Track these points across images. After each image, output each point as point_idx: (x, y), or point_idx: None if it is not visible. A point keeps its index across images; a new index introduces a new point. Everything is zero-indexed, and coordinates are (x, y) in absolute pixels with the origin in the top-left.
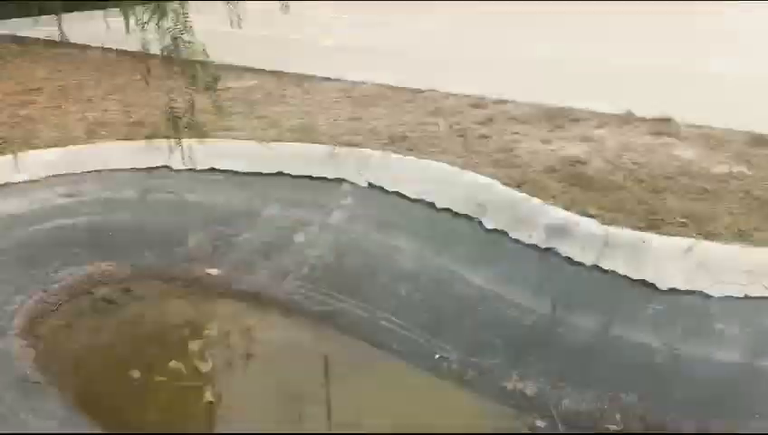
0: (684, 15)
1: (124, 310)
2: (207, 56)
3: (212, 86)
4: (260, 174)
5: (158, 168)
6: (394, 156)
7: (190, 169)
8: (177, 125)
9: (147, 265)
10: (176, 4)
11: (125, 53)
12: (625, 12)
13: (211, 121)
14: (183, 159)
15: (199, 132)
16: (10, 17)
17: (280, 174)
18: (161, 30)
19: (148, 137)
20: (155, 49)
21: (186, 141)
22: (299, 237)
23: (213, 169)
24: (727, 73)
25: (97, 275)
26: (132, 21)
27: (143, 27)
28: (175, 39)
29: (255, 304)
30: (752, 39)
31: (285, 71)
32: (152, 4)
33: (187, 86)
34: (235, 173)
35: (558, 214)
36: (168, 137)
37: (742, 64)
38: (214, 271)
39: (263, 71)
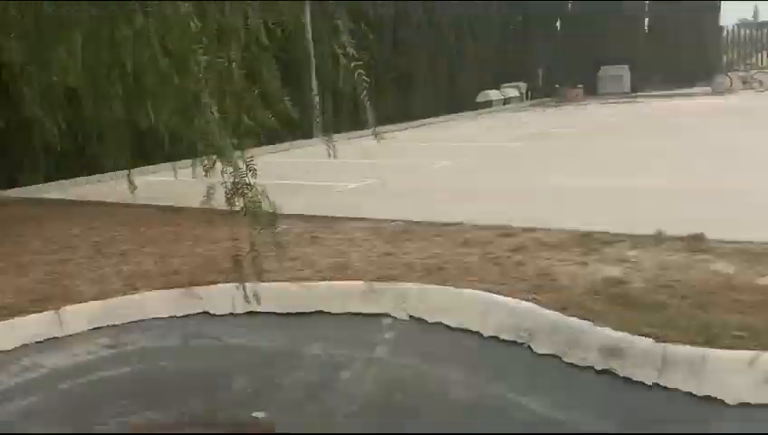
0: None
1: None
2: (267, 198)
3: (272, 224)
4: (300, 314)
5: (197, 314)
6: (432, 287)
7: (230, 314)
8: (242, 268)
9: (192, 412)
10: (238, 151)
11: (152, 207)
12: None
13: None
14: (248, 300)
15: (260, 272)
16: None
17: (319, 313)
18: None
19: (187, 284)
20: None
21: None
22: (344, 374)
23: (252, 313)
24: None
25: (142, 426)
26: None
27: (206, 174)
28: (236, 183)
29: None
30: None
31: (311, 214)
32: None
33: (249, 227)
34: (275, 314)
35: (611, 335)
36: (212, 283)
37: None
38: (260, 414)
39: (288, 215)
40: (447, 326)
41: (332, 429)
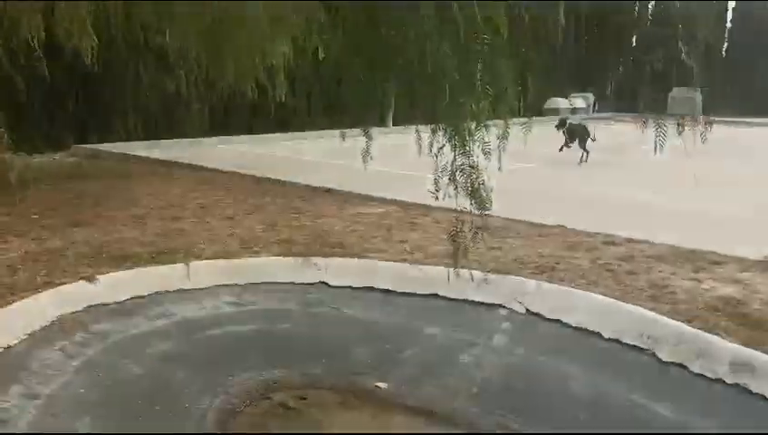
0: None
1: (305, 416)
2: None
3: (486, 207)
4: (414, 295)
5: (315, 283)
6: (549, 285)
7: (346, 287)
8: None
9: (316, 375)
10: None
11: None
12: None
13: (356, 244)
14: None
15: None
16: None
17: (435, 296)
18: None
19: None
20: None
21: None
22: (464, 357)
23: (369, 288)
24: None
25: (272, 382)
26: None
27: (439, 151)
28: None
29: (431, 420)
30: None
31: (407, 201)
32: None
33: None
34: (389, 292)
35: (741, 351)
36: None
37: None
38: (383, 385)
39: (387, 200)
40: (566, 324)
41: (452, 407)
